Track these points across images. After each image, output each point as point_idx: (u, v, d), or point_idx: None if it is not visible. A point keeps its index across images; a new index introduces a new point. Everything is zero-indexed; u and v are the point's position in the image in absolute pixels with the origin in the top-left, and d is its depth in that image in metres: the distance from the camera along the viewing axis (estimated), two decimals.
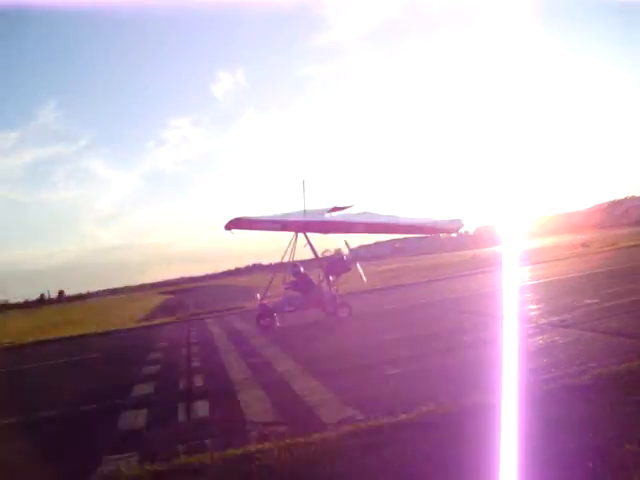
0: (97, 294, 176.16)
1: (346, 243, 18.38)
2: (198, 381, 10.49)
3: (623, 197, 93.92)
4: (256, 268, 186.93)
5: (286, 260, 17.22)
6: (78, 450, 7.17)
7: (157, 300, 78.16)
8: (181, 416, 8.07)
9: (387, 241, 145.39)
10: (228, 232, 16.30)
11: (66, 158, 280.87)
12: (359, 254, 23.20)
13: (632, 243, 30.92)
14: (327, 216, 17.76)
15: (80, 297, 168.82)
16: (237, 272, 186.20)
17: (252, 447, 5.96)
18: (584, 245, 33.77)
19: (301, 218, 16.81)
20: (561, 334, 9.93)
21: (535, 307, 13.45)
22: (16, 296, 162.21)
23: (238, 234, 16.52)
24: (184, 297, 73.65)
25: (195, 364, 12.53)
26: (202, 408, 8.33)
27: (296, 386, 8.82)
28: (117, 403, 9.44)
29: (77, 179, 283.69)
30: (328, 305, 17.07)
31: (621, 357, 7.53)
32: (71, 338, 25.45)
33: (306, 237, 17.07)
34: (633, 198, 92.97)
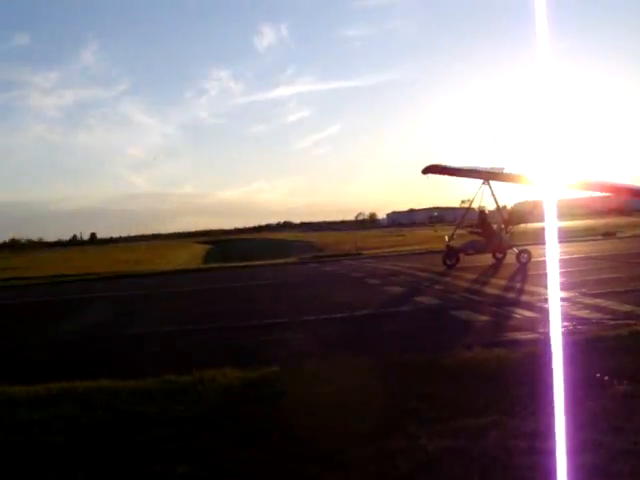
0: (126, 239, 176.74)
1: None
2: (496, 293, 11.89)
3: None
4: (287, 226, 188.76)
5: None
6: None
7: (199, 248, 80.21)
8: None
9: (422, 210, 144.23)
10: (424, 177, 17.71)
11: (104, 102, 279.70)
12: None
13: None
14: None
15: (111, 240, 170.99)
16: (267, 228, 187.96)
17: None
18: None
19: (490, 169, 18.13)
20: None
21: None
22: (49, 235, 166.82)
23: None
24: (226, 247, 76.24)
25: (439, 286, 14.08)
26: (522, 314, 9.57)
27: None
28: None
29: (114, 124, 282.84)
30: (502, 251, 18.60)
31: None
32: (201, 270, 27.33)
33: (490, 188, 18.42)
34: None
